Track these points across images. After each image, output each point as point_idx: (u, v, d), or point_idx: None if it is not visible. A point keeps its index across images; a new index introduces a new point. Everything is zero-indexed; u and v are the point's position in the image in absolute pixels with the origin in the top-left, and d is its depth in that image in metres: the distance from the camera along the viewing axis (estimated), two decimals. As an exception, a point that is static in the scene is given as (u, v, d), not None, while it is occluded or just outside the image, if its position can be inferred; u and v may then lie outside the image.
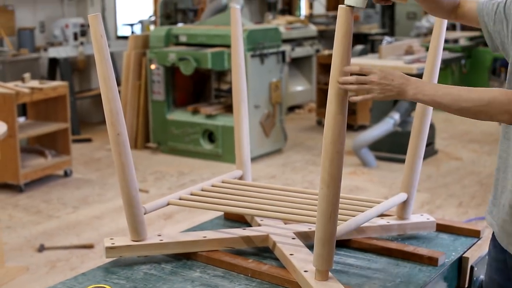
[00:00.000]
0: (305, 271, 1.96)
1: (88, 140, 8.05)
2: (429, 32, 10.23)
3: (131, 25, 9.98)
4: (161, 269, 2.14)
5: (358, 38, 11.05)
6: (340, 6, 1.74)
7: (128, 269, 2.14)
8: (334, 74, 1.78)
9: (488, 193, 5.84)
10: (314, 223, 1.99)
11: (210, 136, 7.26)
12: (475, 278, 2.31)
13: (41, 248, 4.74)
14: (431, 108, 2.29)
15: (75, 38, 8.43)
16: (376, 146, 6.94)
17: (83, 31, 8.41)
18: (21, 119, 6.64)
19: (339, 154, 1.81)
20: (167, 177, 6.60)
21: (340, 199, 2.29)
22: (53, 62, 8.27)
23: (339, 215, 2.12)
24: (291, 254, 2.08)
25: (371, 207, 2.27)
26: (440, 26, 2.24)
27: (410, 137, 2.35)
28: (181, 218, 5.30)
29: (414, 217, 2.44)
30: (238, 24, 2.55)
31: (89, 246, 4.78)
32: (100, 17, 2.01)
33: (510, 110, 1.72)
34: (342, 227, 2.03)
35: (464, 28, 10.87)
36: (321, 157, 1.84)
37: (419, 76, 2.36)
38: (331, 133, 1.80)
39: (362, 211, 2.22)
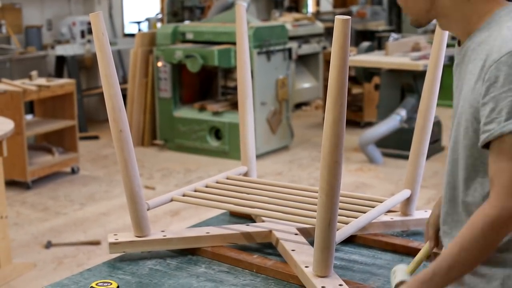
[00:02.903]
0: (306, 267, 1.97)
1: (95, 138, 8.08)
2: (436, 29, 10.17)
3: (138, 22, 10.01)
4: (166, 265, 2.16)
5: (365, 35, 11.04)
6: (336, 17, 1.73)
7: (134, 264, 2.16)
8: (332, 84, 1.78)
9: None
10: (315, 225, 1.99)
11: (216, 133, 7.27)
12: (479, 274, 2.31)
13: (48, 245, 4.77)
14: (435, 105, 2.30)
15: (82, 36, 8.46)
16: (383, 142, 6.94)
17: (90, 29, 8.41)
18: (29, 117, 6.67)
19: (337, 164, 1.81)
20: (174, 174, 6.61)
21: (343, 198, 2.31)
22: (60, 60, 8.30)
23: (341, 216, 2.12)
24: (292, 250, 2.09)
25: (374, 206, 2.27)
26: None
27: (414, 133, 2.35)
28: (188, 215, 5.32)
29: (418, 213, 2.43)
30: (243, 21, 2.56)
31: (96, 243, 4.80)
32: (101, 15, 2.02)
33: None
34: (342, 232, 2.04)
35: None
36: (320, 167, 1.84)
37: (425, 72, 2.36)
38: (329, 143, 1.80)
39: (365, 211, 2.22)
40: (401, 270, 1.80)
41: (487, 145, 1.52)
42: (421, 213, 2.44)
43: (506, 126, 1.46)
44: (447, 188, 1.71)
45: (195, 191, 2.43)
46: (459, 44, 1.69)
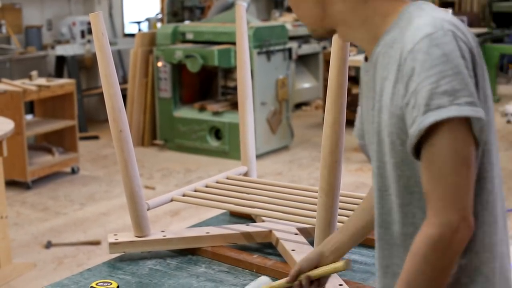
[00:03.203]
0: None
1: (95, 138, 8.08)
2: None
3: (138, 22, 10.00)
4: (167, 265, 2.16)
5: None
6: None
7: (134, 264, 2.16)
8: (332, 85, 1.79)
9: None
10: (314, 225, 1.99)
11: (216, 133, 7.27)
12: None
13: (48, 245, 4.77)
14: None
15: (82, 36, 8.46)
16: (383, 143, 6.94)
17: (90, 29, 8.41)
18: (29, 117, 6.67)
19: (337, 164, 1.81)
20: (174, 174, 6.61)
21: (343, 198, 2.31)
22: (60, 60, 8.29)
23: (341, 216, 2.12)
24: (292, 250, 2.09)
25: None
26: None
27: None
28: (188, 215, 5.32)
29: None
30: (243, 20, 2.56)
31: (96, 243, 4.80)
32: (101, 15, 2.03)
33: (458, 228, 1.21)
34: None
35: (471, 25, 10.85)
36: (320, 167, 1.84)
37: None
38: (329, 143, 1.80)
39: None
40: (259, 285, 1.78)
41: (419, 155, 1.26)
42: (421, 213, 2.44)
43: (422, 122, 1.19)
44: (376, 226, 1.43)
45: (195, 191, 2.43)
46: (366, 59, 1.43)
